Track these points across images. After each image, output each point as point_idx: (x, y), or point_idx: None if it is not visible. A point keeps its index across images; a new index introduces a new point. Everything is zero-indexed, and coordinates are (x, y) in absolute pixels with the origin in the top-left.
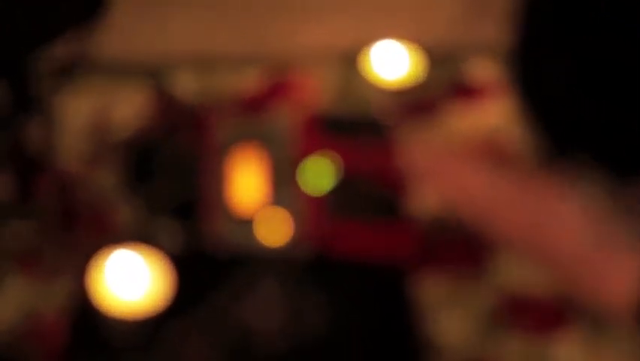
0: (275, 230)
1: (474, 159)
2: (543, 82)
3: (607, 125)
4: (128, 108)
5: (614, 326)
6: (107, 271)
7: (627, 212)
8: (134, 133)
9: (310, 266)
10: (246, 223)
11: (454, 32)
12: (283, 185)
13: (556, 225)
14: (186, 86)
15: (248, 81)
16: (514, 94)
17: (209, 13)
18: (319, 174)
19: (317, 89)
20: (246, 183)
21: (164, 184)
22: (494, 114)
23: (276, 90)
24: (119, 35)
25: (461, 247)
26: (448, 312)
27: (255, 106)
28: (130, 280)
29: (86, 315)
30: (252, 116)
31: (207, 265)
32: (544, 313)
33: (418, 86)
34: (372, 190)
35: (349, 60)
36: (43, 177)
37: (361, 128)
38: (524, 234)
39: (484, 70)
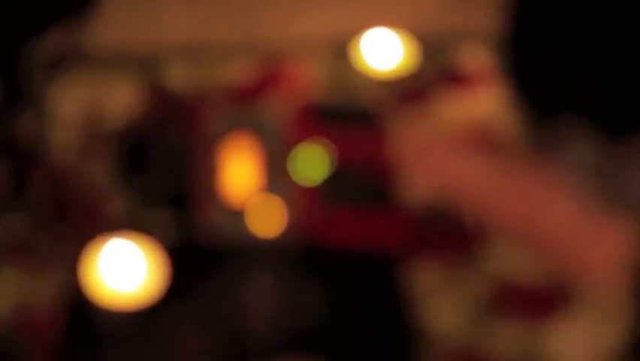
0: (268, 220)
1: (466, 147)
2: (534, 63)
3: (597, 97)
4: (120, 100)
5: (605, 309)
6: (100, 263)
7: (617, 169)
8: (127, 124)
9: (303, 255)
10: (239, 213)
11: (446, 20)
12: (276, 175)
13: (547, 209)
14: (178, 77)
15: (240, 71)
16: (505, 79)
17: (200, 4)
18: (312, 164)
19: (309, 79)
20: (239, 173)
21: (157, 175)
22: (486, 102)
23: (268, 80)
24: (111, 27)
25: (454, 234)
26: (440, 299)
27: (247, 96)
28: (123, 271)
29: (79, 306)
30: (244, 106)
31: (200, 255)
32: (536, 300)
33: (409, 74)
34: (364, 179)
35: (340, 49)
36: (35, 169)
37: (353, 118)
38: (517, 220)
39: (476, 57)
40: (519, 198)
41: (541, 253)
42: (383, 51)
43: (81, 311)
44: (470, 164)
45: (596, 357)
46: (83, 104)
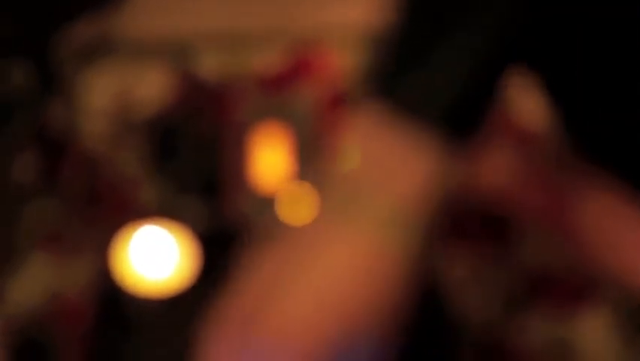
0: (298, 208)
1: (501, 143)
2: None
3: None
4: (151, 88)
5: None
6: (132, 250)
7: None
8: (158, 112)
9: None
10: (270, 201)
11: None
12: (306, 163)
13: (582, 201)
14: (209, 65)
15: (271, 60)
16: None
17: None
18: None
19: (340, 67)
20: (270, 161)
21: (188, 163)
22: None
23: (299, 68)
24: (142, 15)
25: (485, 225)
26: (472, 290)
27: (278, 84)
28: (154, 258)
29: (111, 293)
30: (275, 94)
31: (231, 242)
32: (567, 291)
33: None
34: None
35: (373, 38)
36: (67, 157)
37: None
38: (548, 213)
39: None
40: (549, 190)
41: (575, 247)
42: None
43: (113, 298)
44: (506, 159)
45: (622, 347)
46: (114, 93)
